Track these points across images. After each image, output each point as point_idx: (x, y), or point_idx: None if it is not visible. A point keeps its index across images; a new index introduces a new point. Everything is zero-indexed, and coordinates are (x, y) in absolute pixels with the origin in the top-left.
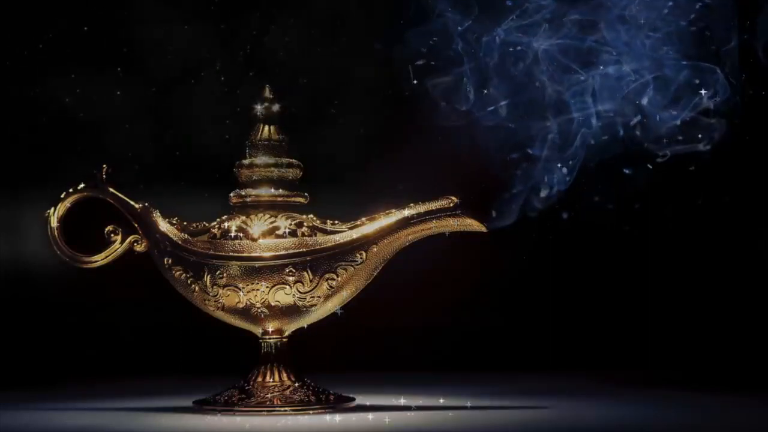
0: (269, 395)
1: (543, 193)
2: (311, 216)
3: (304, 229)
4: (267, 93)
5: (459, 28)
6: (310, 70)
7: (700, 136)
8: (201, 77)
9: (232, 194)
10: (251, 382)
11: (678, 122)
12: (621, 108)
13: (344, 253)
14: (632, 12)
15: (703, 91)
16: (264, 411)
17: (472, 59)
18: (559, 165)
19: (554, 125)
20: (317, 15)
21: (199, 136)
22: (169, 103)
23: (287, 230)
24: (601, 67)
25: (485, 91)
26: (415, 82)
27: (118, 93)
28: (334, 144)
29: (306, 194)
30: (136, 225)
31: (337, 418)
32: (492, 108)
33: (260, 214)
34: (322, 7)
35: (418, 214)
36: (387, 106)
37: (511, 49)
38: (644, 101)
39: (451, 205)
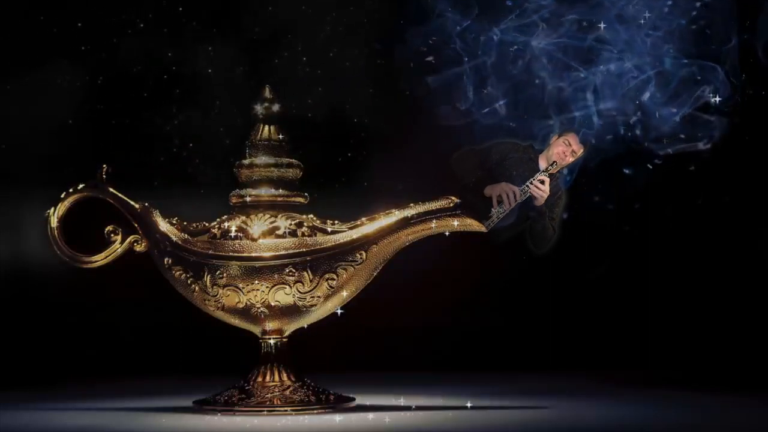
0: (269, 395)
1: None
2: (311, 216)
3: (304, 229)
4: (267, 93)
5: (458, 27)
6: (310, 70)
7: (700, 134)
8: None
9: (232, 194)
10: (251, 382)
11: (677, 119)
12: (622, 105)
13: (344, 253)
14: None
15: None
16: (264, 411)
17: (471, 58)
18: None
19: (556, 123)
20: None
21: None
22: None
23: (287, 230)
24: (602, 66)
25: (485, 91)
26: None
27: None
28: (335, 144)
29: (306, 194)
30: (136, 225)
31: (337, 418)
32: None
33: (260, 214)
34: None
35: (418, 214)
36: (387, 106)
37: (511, 49)
38: (645, 98)
39: (451, 205)
